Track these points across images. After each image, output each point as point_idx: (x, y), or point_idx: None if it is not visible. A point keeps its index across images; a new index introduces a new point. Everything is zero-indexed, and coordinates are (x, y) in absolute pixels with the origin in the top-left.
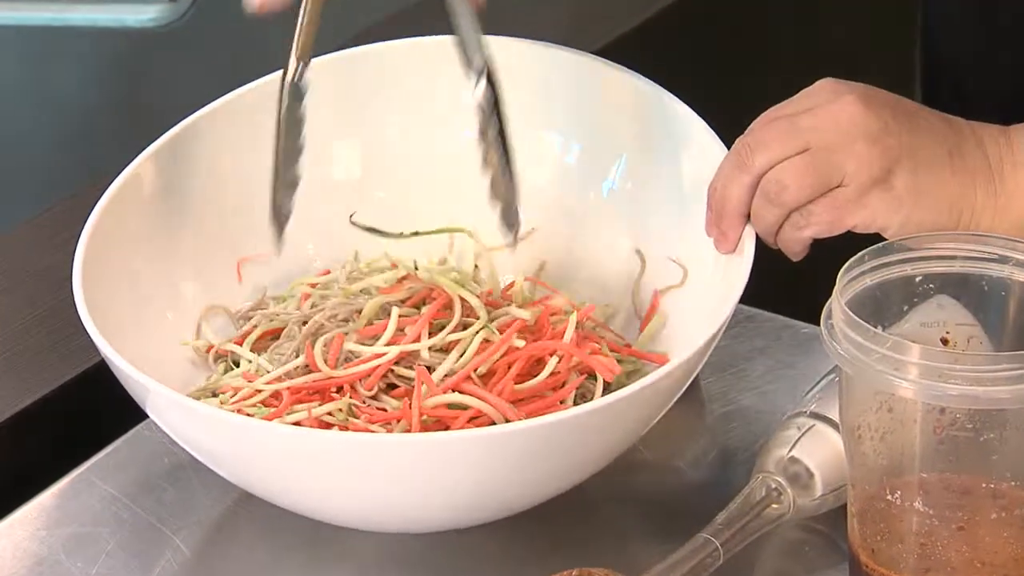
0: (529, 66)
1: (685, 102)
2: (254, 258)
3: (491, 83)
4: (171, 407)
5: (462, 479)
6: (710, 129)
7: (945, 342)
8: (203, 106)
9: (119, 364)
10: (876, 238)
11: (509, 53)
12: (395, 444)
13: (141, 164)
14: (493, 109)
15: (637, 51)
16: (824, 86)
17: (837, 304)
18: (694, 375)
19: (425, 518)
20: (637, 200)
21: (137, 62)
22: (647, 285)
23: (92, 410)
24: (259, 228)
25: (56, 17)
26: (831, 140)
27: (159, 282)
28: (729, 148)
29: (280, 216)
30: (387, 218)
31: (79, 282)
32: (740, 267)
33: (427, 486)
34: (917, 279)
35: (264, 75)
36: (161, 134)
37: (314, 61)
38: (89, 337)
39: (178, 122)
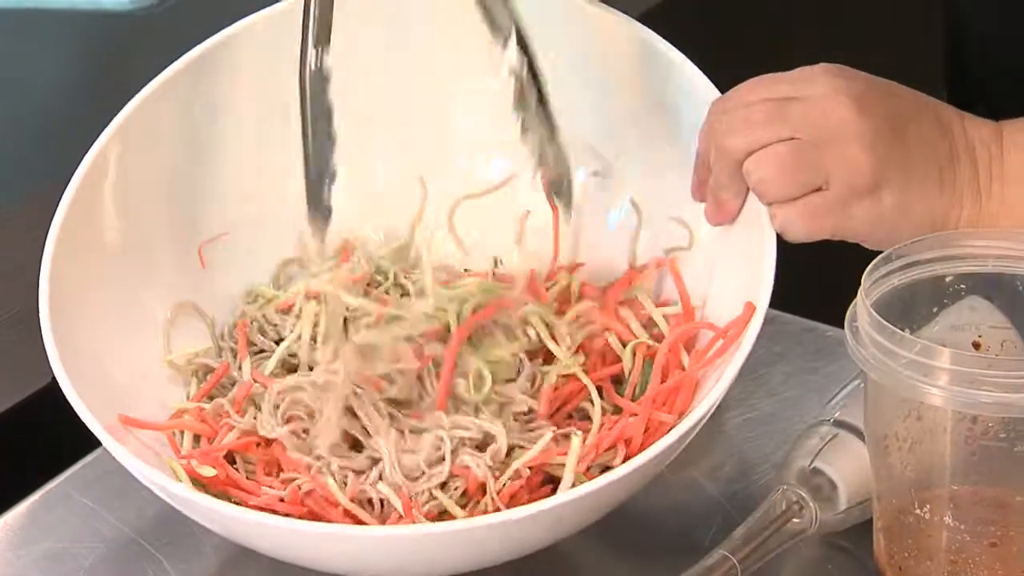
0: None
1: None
2: (216, 241)
3: (522, 45)
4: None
5: (459, 562)
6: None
7: (977, 346)
8: None
9: (87, 418)
10: None
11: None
12: (392, 537)
13: (100, 152)
14: (529, 72)
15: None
16: (821, 76)
17: (862, 306)
18: (702, 423)
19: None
20: (643, 162)
21: (114, 47)
22: (651, 250)
23: (69, 418)
24: (220, 208)
25: None
26: (819, 136)
27: (128, 286)
28: None
29: (322, 212)
30: (379, 205)
31: (46, 307)
32: (763, 276)
33: (428, 567)
34: (947, 279)
35: None
36: None
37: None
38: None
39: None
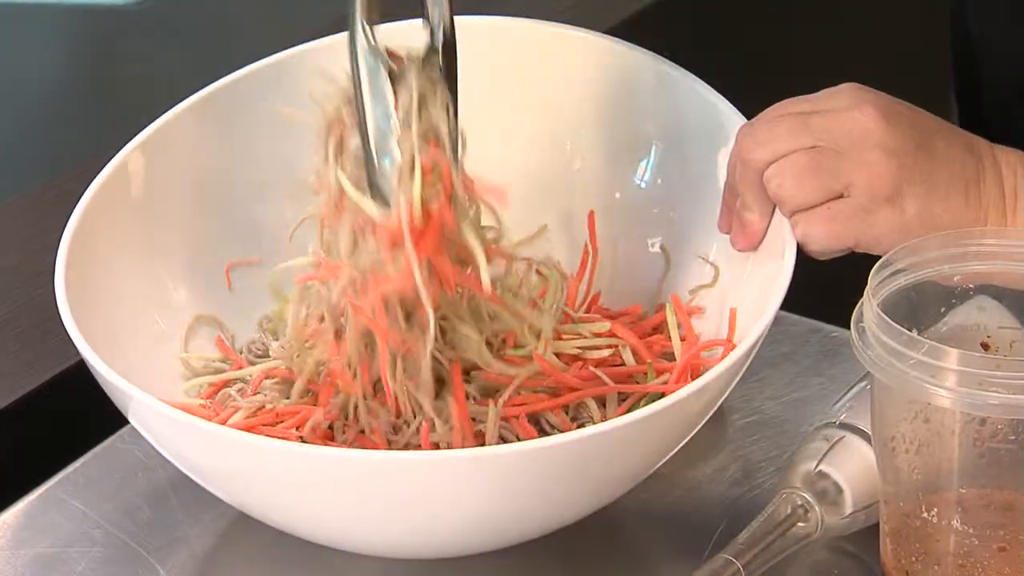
0: (545, 50)
1: (708, 84)
2: (243, 262)
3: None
4: (160, 420)
5: (480, 501)
6: (746, 119)
7: (986, 347)
8: (179, 88)
9: (106, 374)
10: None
11: (530, 35)
12: (413, 463)
13: (127, 156)
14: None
15: (650, 31)
16: (846, 91)
17: (869, 306)
18: (726, 393)
19: (438, 543)
20: (667, 198)
21: (110, 43)
22: (674, 288)
23: (60, 421)
24: (249, 230)
25: None
26: (841, 144)
27: (145, 287)
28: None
29: (381, 195)
30: None
31: (61, 284)
32: (779, 277)
33: (445, 506)
34: (955, 279)
35: (243, 64)
36: (134, 120)
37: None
38: (57, 342)
39: (165, 110)
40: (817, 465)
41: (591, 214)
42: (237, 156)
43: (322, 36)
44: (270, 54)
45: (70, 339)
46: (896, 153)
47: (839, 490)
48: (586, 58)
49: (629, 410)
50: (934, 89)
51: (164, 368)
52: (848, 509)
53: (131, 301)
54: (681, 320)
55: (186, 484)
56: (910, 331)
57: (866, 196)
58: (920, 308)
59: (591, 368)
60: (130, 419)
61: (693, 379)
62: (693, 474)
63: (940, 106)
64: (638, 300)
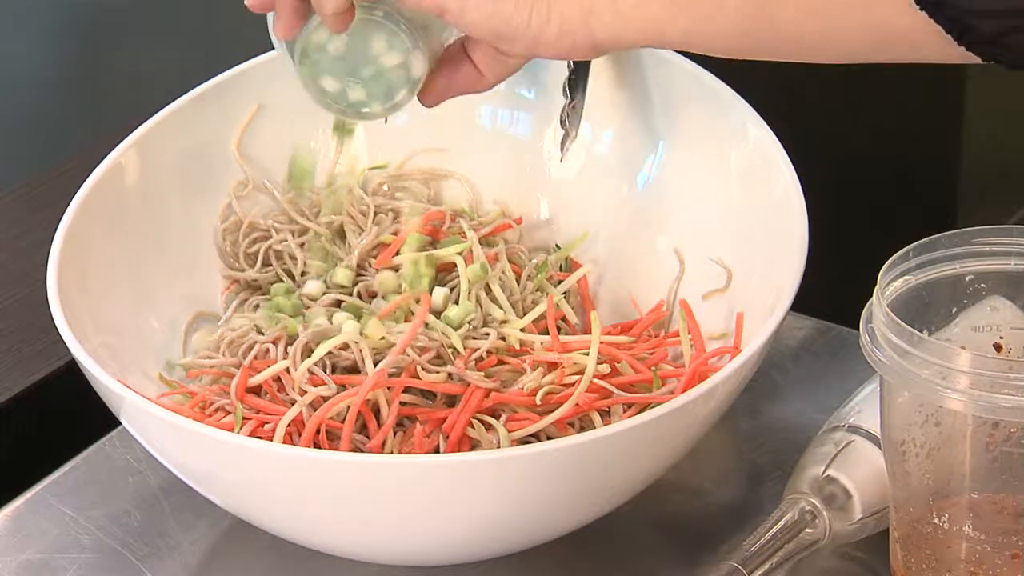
0: None
1: (721, 79)
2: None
3: None
4: (154, 423)
5: (482, 507)
6: (755, 112)
7: (999, 348)
8: (172, 85)
9: (98, 375)
10: (921, 234)
11: None
12: (412, 466)
13: (122, 153)
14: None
15: None
16: None
17: (878, 306)
18: (732, 398)
19: (438, 549)
20: (675, 194)
21: (99, 31)
22: (685, 288)
23: (47, 424)
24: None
25: None
26: None
27: (139, 286)
28: (774, 130)
29: None
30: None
31: (54, 283)
32: (790, 272)
33: (445, 511)
34: (967, 278)
35: (242, 60)
36: (121, 116)
37: None
38: (46, 342)
39: (156, 107)
40: (825, 469)
41: (584, 279)
42: (233, 153)
43: None
44: (267, 51)
45: (59, 339)
46: None
47: (848, 495)
48: (625, 69)
49: None
50: (942, 78)
51: (158, 369)
52: (857, 515)
53: (125, 300)
54: (691, 327)
55: (177, 489)
56: (921, 332)
57: None
58: (931, 308)
59: (595, 380)
60: (123, 421)
61: None
62: (698, 479)
63: (952, 88)
64: (644, 301)
